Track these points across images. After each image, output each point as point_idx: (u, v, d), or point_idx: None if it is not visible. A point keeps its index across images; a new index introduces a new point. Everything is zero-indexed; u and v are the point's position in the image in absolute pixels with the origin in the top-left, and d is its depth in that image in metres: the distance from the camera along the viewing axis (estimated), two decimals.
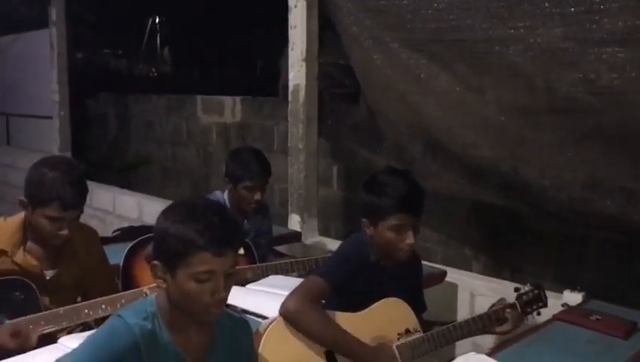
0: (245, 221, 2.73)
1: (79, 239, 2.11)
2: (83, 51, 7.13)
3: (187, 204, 1.38)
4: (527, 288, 2.05)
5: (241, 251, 2.63)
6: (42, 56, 6.06)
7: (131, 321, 1.35)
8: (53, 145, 5.72)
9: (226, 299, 1.37)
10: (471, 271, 3.38)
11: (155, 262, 1.36)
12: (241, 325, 1.54)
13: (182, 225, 1.31)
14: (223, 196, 2.68)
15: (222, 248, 1.30)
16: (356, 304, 1.86)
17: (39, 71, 6.27)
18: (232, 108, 5.40)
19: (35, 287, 1.98)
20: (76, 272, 2.12)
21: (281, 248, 3.10)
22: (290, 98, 3.41)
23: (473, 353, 1.80)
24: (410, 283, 2.05)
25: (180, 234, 1.30)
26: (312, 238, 3.45)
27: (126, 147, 6.56)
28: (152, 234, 2.38)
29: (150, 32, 7.74)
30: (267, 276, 2.59)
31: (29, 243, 2.03)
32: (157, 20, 7.79)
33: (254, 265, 2.61)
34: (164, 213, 1.37)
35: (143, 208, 4.80)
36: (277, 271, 2.62)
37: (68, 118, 5.71)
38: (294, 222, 3.46)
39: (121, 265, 2.45)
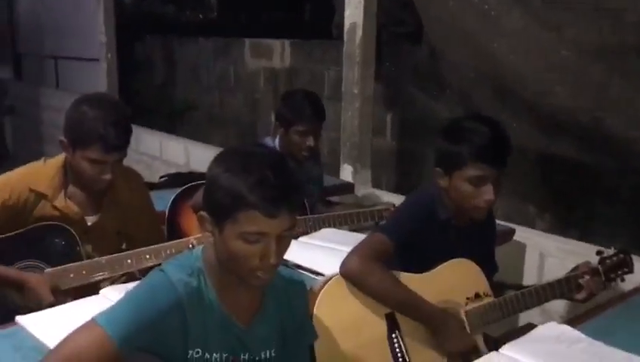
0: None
1: (123, 183, 1.98)
2: None
3: (241, 151, 1.20)
4: (611, 251, 1.85)
5: None
6: None
7: (175, 277, 1.20)
8: (101, 89, 5.63)
9: (277, 264, 1.20)
10: (534, 229, 3.15)
11: (203, 213, 1.19)
12: (295, 285, 1.38)
13: (232, 176, 1.13)
14: (272, 142, 2.51)
15: (275, 208, 1.13)
16: (422, 264, 1.68)
17: (88, 13, 6.16)
18: (280, 52, 5.17)
19: (75, 234, 1.86)
20: (119, 218, 2.00)
21: (331, 199, 2.93)
22: (345, 38, 3.16)
23: (554, 323, 1.60)
24: (481, 242, 1.84)
25: (228, 186, 1.13)
26: (364, 190, 3.26)
27: (173, 92, 6.44)
28: (200, 182, 2.23)
29: None
30: (319, 228, 2.45)
31: (70, 187, 1.90)
32: None
33: (306, 216, 2.45)
34: (216, 160, 1.19)
35: (190, 154, 4.69)
36: (330, 224, 2.46)
37: (115, 61, 5.59)
38: (346, 173, 3.27)
39: (167, 212, 2.33)
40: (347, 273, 1.59)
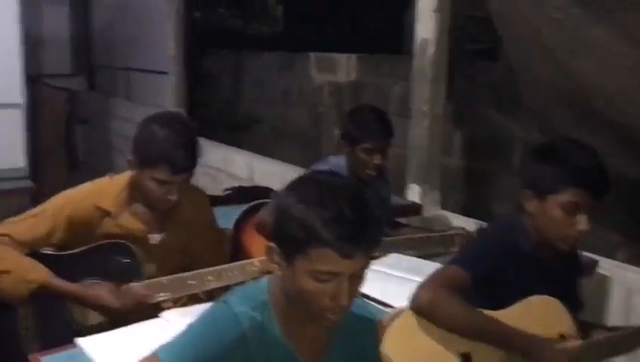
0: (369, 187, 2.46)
1: (187, 201, 1.94)
2: (199, 10, 7.09)
3: (317, 181, 1.11)
4: None
5: None
6: (161, 10, 6.05)
7: (239, 310, 1.13)
8: (168, 101, 5.73)
9: (349, 306, 1.10)
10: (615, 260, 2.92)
11: (272, 244, 1.12)
12: (367, 322, 1.28)
13: (306, 207, 1.05)
14: (337, 160, 2.42)
15: (351, 248, 1.04)
16: (499, 300, 1.54)
17: (158, 25, 6.28)
18: (346, 67, 5.11)
19: (139, 252, 1.83)
20: (183, 237, 1.96)
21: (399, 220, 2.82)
22: (415, 54, 3.05)
23: None
24: (565, 277, 1.69)
25: (302, 219, 1.05)
26: (432, 211, 3.12)
27: (238, 105, 6.49)
28: (265, 200, 2.16)
29: None
30: (387, 253, 2.34)
31: (135, 205, 1.88)
32: None
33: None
34: (290, 188, 1.12)
35: (254, 168, 4.68)
36: (398, 248, 2.35)
37: (183, 73, 5.68)
38: (413, 193, 3.15)
39: (231, 230, 2.28)
40: (418, 306, 1.47)
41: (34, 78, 6.49)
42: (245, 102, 6.32)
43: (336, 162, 2.41)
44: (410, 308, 1.48)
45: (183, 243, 1.96)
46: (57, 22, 7.57)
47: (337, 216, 1.03)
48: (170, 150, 1.72)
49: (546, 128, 2.66)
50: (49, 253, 1.78)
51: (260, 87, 6.12)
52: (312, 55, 5.47)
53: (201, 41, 6.47)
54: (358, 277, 1.09)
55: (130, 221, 1.84)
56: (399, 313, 1.55)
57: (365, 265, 1.09)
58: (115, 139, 7.02)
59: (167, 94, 5.92)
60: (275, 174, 4.55)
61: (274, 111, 5.98)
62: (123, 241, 1.81)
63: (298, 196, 1.07)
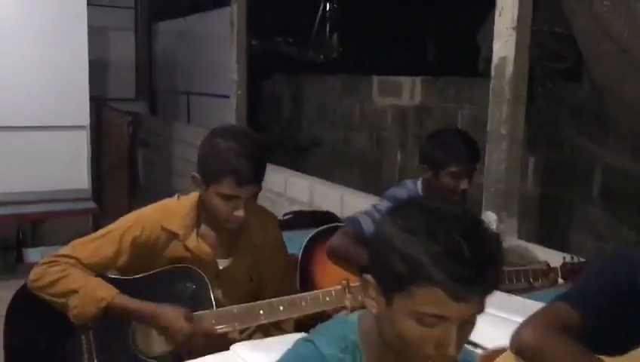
0: None
1: (256, 225, 1.83)
2: (256, 38, 7.15)
3: (427, 208, 0.95)
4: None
5: None
6: (221, 36, 6.10)
7: (326, 351, 0.99)
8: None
9: (456, 356, 0.94)
10: None
11: (369, 276, 0.97)
12: None
13: (413, 238, 0.89)
14: (415, 186, 2.27)
15: (465, 290, 0.88)
16: (617, 344, 1.35)
17: (218, 50, 6.33)
18: (410, 90, 4.97)
19: (206, 279, 1.72)
20: (252, 262, 1.84)
21: None
22: (493, 74, 2.88)
23: None
24: None
25: (406, 252, 0.89)
26: (510, 241, 2.91)
27: (298, 129, 6.44)
28: (336, 224, 2.01)
29: (320, 18, 7.62)
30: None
31: (203, 227, 1.78)
32: (327, 7, 7.65)
33: None
34: (392, 213, 0.96)
35: (315, 192, 4.56)
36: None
37: (245, 97, 5.66)
38: (489, 221, 2.94)
39: (299, 257, 2.15)
40: (522, 347, 1.30)
41: (98, 102, 6.65)
42: (306, 126, 6.26)
43: (414, 187, 2.26)
44: (512, 349, 1.32)
45: (251, 269, 1.85)
46: (123, 47, 7.77)
47: (452, 251, 0.88)
48: (234, 160, 1.62)
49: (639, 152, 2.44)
50: (114, 276, 1.69)
51: (321, 111, 6.05)
52: (375, 78, 5.36)
53: (260, 66, 6.48)
54: (469, 323, 0.94)
55: (198, 244, 1.74)
56: (494, 355, 1.38)
57: (479, 310, 0.93)
58: (175, 163, 7.08)
59: (228, 118, 5.91)
60: (336, 198, 4.42)
61: (335, 135, 5.89)
62: (190, 266, 1.71)
63: (403, 224, 0.92)
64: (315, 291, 1.72)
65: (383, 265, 0.93)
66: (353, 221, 2.12)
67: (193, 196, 1.78)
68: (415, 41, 6.63)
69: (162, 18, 7.86)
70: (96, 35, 5.49)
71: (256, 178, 1.66)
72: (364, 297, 1.00)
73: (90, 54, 5.03)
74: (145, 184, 7.97)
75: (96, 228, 5.40)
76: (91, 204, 5.09)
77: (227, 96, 6.01)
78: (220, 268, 1.79)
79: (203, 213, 1.76)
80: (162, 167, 7.45)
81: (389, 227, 0.94)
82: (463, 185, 2.15)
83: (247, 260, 1.83)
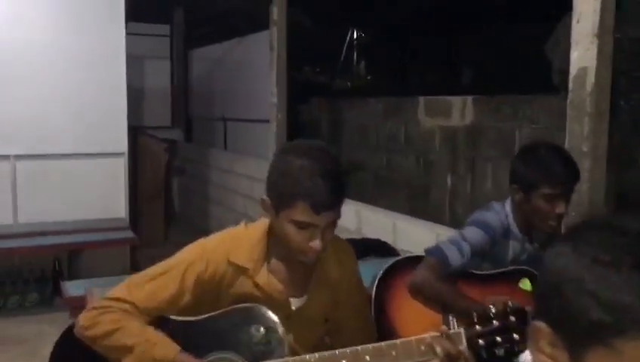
0: (528, 243, 2.03)
1: (333, 257, 1.59)
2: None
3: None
4: None
5: (528, 286, 1.93)
6: (259, 60, 5.97)
7: None
8: (269, 150, 5.53)
9: None
10: None
11: (542, 325, 0.73)
12: None
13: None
14: (503, 209, 2.01)
15: None
16: None
17: (256, 74, 6.21)
18: (461, 109, 4.72)
19: (278, 321, 1.48)
20: (327, 302, 1.60)
21: None
22: (571, 86, 2.63)
23: None
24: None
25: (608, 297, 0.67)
26: None
27: (338, 153, 6.21)
28: (414, 255, 1.79)
29: (348, 46, 7.51)
30: None
31: (273, 261, 1.54)
32: (355, 35, 7.55)
33: None
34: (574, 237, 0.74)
35: (362, 218, 4.32)
36: None
37: (285, 121, 5.49)
38: None
39: (372, 292, 1.89)
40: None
41: (136, 130, 6.56)
42: (346, 150, 6.04)
43: (502, 209, 2.00)
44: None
45: (326, 309, 1.60)
46: (159, 75, 7.72)
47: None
48: (309, 182, 1.39)
49: None
50: (174, 318, 1.46)
51: (362, 135, 5.84)
52: (421, 99, 5.13)
53: (295, 92, 6.34)
54: None
55: (268, 280, 1.51)
56: None
57: None
58: (212, 190, 6.92)
59: (267, 143, 5.74)
60: (387, 225, 4.17)
61: (378, 159, 5.65)
62: (260, 306, 1.47)
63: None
64: (408, 338, 1.47)
65: (568, 312, 0.69)
66: (437, 252, 1.87)
67: (262, 224, 1.55)
68: (454, 62, 6.43)
69: (198, 45, 7.79)
70: (133, 63, 5.43)
71: (335, 203, 1.43)
72: (532, 349, 0.75)
73: (127, 82, 4.95)
74: (181, 213, 7.83)
75: (134, 259, 5.27)
76: (129, 234, 4.93)
77: (266, 121, 5.86)
78: (293, 308, 1.55)
79: (274, 244, 1.53)
80: (199, 194, 7.30)
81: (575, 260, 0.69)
82: (559, 208, 1.88)
83: (322, 299, 1.58)
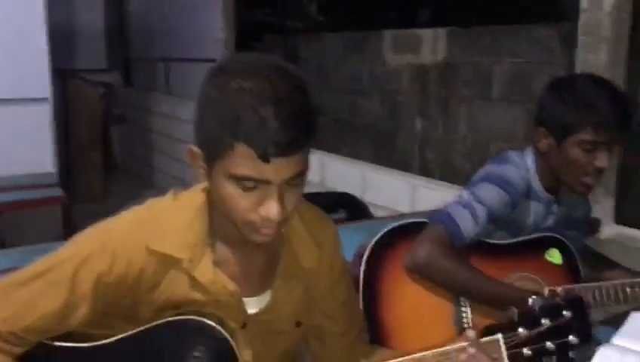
0: (555, 204, 1.58)
1: (305, 235, 1.11)
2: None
3: None
4: None
5: (558, 258, 1.50)
6: None
7: None
8: None
9: None
10: None
11: None
12: None
13: None
14: (523, 160, 1.54)
15: None
16: None
17: (201, 8, 5.56)
18: (432, 44, 4.22)
19: (229, 335, 0.99)
20: (299, 299, 1.12)
21: None
22: (584, 4, 2.15)
23: None
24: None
25: None
26: (607, 228, 2.22)
27: None
28: (413, 221, 1.32)
29: None
30: (602, 305, 1.49)
31: (220, 246, 1.04)
32: None
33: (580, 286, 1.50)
34: None
35: (327, 170, 3.84)
36: (615, 298, 1.51)
37: None
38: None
39: (361, 271, 1.41)
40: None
41: (65, 73, 5.83)
42: None
43: (522, 161, 1.53)
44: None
45: (298, 309, 1.12)
46: (90, 11, 6.92)
47: None
48: (253, 114, 0.88)
49: None
50: (62, 345, 0.95)
51: (322, 74, 5.29)
52: (387, 33, 4.60)
53: (247, 30, 5.72)
54: None
55: (213, 276, 1.00)
56: None
57: None
58: (155, 139, 6.29)
59: None
60: (355, 177, 3.70)
61: (339, 102, 5.12)
62: (200, 318, 0.97)
63: None
64: (444, 349, 1.00)
65: None
66: (446, 219, 1.39)
67: (200, 192, 1.03)
68: None
69: None
70: None
71: (295, 145, 0.91)
72: None
73: (51, 19, 4.27)
74: (122, 164, 7.16)
75: (67, 222, 4.67)
76: (58, 192, 4.31)
77: (213, 60, 5.24)
78: (251, 311, 1.05)
79: (219, 221, 1.02)
80: (141, 144, 6.65)
81: None
82: (601, 161, 1.42)
83: (293, 296, 1.10)
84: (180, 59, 6.18)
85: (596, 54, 2.12)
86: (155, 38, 6.71)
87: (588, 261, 1.66)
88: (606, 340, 1.05)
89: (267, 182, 0.91)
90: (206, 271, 0.99)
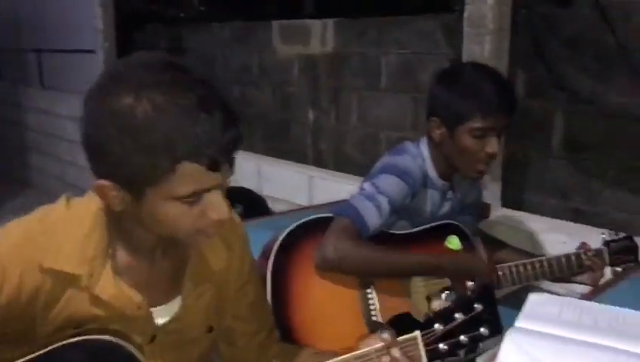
0: (450, 190, 1.63)
1: (216, 239, 1.05)
2: None
3: None
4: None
5: (457, 244, 1.55)
6: None
7: None
8: None
9: None
10: None
11: None
12: None
13: None
14: (418, 149, 1.58)
15: None
16: None
17: None
18: (321, 35, 4.23)
19: (136, 350, 0.92)
20: (210, 303, 1.07)
21: None
22: None
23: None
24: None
25: None
26: (495, 211, 2.35)
27: None
28: (319, 216, 1.29)
29: None
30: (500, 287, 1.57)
31: (121, 254, 0.97)
32: None
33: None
34: None
35: None
36: (512, 279, 1.59)
37: (114, 51, 4.62)
38: None
39: (268, 270, 1.37)
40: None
41: None
42: None
43: (418, 150, 1.57)
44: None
45: (209, 314, 1.06)
46: None
47: None
48: (195, 127, 0.83)
49: None
50: None
51: (210, 65, 5.15)
52: (275, 23, 4.55)
53: (128, 19, 5.43)
54: None
55: (116, 290, 0.92)
56: None
57: None
58: (30, 136, 5.83)
59: (94, 77, 4.83)
60: (250, 170, 3.65)
61: (229, 93, 5.00)
62: (104, 337, 0.89)
63: None
64: (358, 353, 0.98)
65: None
66: (351, 212, 1.38)
67: (93, 197, 0.94)
68: None
69: None
70: None
71: (239, 141, 0.88)
72: None
73: None
74: None
75: None
76: None
77: (90, 51, 4.93)
78: (159, 322, 0.99)
79: (117, 228, 0.94)
80: (14, 142, 6.14)
81: None
82: (491, 147, 1.48)
83: (203, 300, 1.04)
84: (54, 50, 5.76)
85: (481, 45, 2.21)
86: (25, 27, 6.20)
87: (482, 244, 1.74)
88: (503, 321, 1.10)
89: (214, 187, 0.86)
90: (108, 285, 0.91)
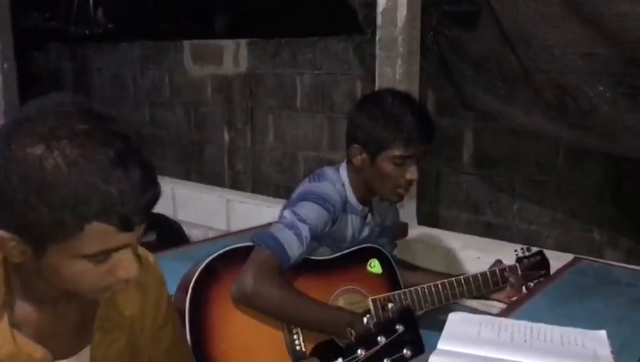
0: (369, 214, 1.64)
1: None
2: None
3: None
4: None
5: (378, 268, 1.55)
6: None
7: None
8: None
9: None
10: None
11: None
12: None
13: None
14: (338, 175, 1.57)
15: None
16: None
17: None
18: (234, 55, 4.19)
19: None
20: (122, 351, 0.99)
21: None
22: (379, 22, 2.28)
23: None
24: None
25: None
26: (412, 230, 2.38)
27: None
28: (236, 246, 1.24)
29: None
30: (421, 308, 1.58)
31: (20, 305, 0.88)
32: None
33: (400, 292, 1.56)
34: None
35: None
36: (431, 300, 1.61)
37: (15, 70, 4.34)
38: None
39: (186, 305, 1.31)
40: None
41: None
42: (99, 104, 5.07)
43: (338, 177, 1.55)
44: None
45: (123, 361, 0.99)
46: None
47: None
48: (108, 186, 0.76)
49: (572, 114, 2.04)
50: None
51: (118, 85, 4.96)
52: (186, 43, 4.46)
53: (26, 38, 5.15)
54: None
55: (15, 345, 0.84)
56: None
57: None
58: None
59: None
60: (165, 194, 3.52)
61: (139, 113, 4.85)
62: None
63: None
64: None
65: None
66: (271, 242, 1.34)
67: None
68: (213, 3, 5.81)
69: None
70: None
71: (156, 199, 0.82)
72: None
73: None
74: None
75: None
76: None
77: None
78: None
79: (17, 277, 0.86)
80: None
81: None
82: (411, 173, 1.50)
83: (114, 349, 0.97)
84: None
85: (392, 68, 2.25)
86: None
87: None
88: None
89: (125, 246, 0.80)
90: (5, 342, 0.83)
